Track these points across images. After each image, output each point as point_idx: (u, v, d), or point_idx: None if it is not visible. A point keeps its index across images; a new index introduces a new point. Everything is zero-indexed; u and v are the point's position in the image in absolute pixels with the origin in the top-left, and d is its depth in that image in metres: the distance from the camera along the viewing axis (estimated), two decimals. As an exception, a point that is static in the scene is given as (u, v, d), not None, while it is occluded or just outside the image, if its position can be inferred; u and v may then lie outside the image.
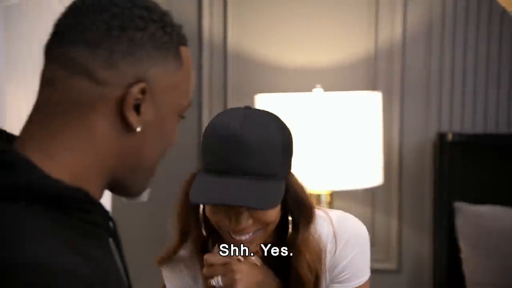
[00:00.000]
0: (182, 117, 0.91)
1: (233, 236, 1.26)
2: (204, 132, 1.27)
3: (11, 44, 1.28)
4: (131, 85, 0.80)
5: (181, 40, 0.87)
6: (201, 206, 1.31)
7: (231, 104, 2.63)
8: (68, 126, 0.80)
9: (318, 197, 2.30)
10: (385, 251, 2.60)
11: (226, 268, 1.27)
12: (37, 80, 1.18)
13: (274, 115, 1.29)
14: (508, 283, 2.28)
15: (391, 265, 2.60)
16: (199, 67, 2.64)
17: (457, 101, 2.54)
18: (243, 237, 1.25)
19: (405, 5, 2.56)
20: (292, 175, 1.32)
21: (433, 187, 2.56)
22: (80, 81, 0.80)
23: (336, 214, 1.39)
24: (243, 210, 1.22)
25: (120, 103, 0.80)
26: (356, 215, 2.78)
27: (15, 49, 1.30)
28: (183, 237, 1.38)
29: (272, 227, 1.28)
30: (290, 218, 1.30)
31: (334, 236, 1.34)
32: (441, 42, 2.55)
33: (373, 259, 2.83)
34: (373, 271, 2.84)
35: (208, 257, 1.29)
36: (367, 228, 2.70)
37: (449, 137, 2.46)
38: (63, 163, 0.79)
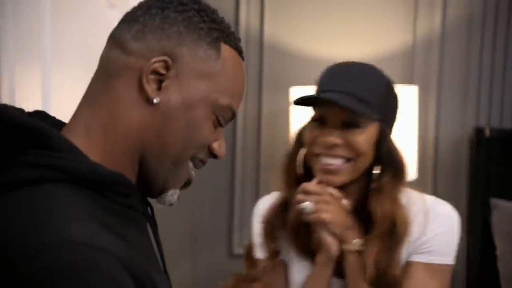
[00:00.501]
0: (219, 122, 0.90)
1: (323, 160, 1.35)
2: None
3: (57, 37, 1.32)
4: (155, 58, 0.82)
5: (225, 38, 0.89)
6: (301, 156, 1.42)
7: (266, 96, 2.66)
8: (100, 97, 0.84)
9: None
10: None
11: (319, 198, 1.34)
12: (80, 69, 1.21)
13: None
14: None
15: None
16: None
17: (496, 96, 2.52)
18: (334, 162, 1.34)
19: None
20: (391, 137, 1.40)
21: (468, 182, 2.54)
22: (114, 51, 0.84)
23: (432, 197, 1.45)
24: (334, 128, 1.33)
25: (141, 73, 0.83)
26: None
27: (62, 41, 1.34)
28: (288, 180, 1.46)
29: (360, 164, 1.36)
30: (375, 171, 1.38)
31: (426, 211, 1.38)
32: (481, 36, 2.53)
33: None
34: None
35: (305, 185, 1.37)
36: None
37: (487, 132, 2.44)
38: (97, 141, 0.83)
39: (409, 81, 2.56)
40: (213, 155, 0.92)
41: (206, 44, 0.86)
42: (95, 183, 0.79)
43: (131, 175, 0.87)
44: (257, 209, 1.55)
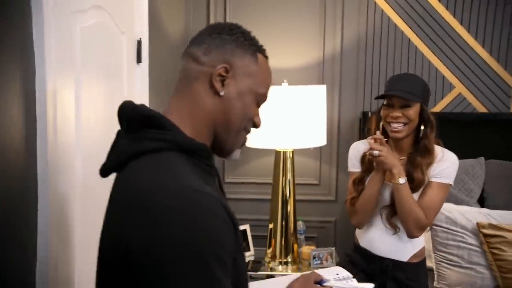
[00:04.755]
0: (258, 104, 0.92)
1: (392, 125, 1.60)
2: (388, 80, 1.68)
3: (85, 55, 1.25)
4: (219, 66, 0.85)
5: (259, 49, 0.92)
6: (380, 125, 1.68)
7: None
8: (186, 94, 0.87)
9: (285, 153, 2.31)
10: (328, 188, 2.63)
11: (382, 148, 1.58)
12: (101, 76, 1.14)
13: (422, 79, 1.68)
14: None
15: (331, 197, 2.63)
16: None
17: (374, 92, 2.56)
18: (397, 126, 1.60)
19: (342, 28, 2.54)
20: (427, 110, 1.63)
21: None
22: (191, 64, 0.87)
23: (443, 148, 1.67)
24: (397, 108, 1.59)
25: (211, 76, 0.85)
26: (308, 166, 2.80)
27: (88, 57, 1.27)
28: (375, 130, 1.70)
29: (411, 125, 1.60)
30: (422, 127, 1.62)
31: (442, 154, 1.63)
32: (365, 51, 2.55)
33: (319, 194, 2.88)
34: (320, 201, 2.89)
35: (373, 136, 1.62)
36: (316, 174, 2.73)
37: (369, 114, 2.47)
38: (186, 122, 0.85)
39: (320, 82, 2.57)
40: (255, 125, 0.93)
41: (249, 54, 0.88)
42: (191, 151, 0.82)
43: (208, 144, 0.88)
44: (352, 147, 1.80)
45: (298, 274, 1.07)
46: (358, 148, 1.77)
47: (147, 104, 1.81)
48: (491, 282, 1.95)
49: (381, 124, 1.67)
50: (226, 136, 0.89)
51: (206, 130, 0.86)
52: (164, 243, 0.69)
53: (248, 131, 0.93)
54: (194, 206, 0.71)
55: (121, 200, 0.78)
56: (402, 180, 1.56)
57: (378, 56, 2.55)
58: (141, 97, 1.77)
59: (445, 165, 1.61)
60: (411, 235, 1.61)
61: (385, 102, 1.65)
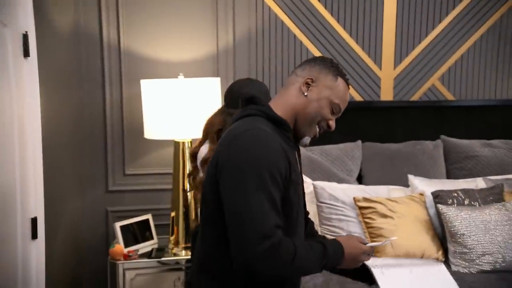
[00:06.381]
0: (333, 111, 1.25)
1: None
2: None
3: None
4: (307, 77, 1.24)
5: (340, 74, 1.26)
6: None
7: (126, 86, 2.60)
8: (283, 92, 1.26)
9: (183, 143, 2.37)
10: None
11: None
12: None
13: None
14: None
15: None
16: (102, 62, 2.57)
17: (265, 83, 2.72)
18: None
19: (233, 23, 2.65)
20: None
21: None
22: (292, 76, 1.28)
23: None
24: None
25: (301, 82, 1.24)
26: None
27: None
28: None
29: None
30: None
31: None
32: (255, 45, 2.70)
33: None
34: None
35: None
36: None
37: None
38: (279, 108, 1.23)
39: (215, 74, 2.66)
40: (328, 127, 1.27)
41: (331, 75, 1.25)
42: (275, 120, 1.20)
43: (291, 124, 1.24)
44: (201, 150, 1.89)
45: None
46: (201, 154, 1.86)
47: (38, 99, 1.76)
48: (365, 247, 2.25)
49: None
50: (302, 124, 1.23)
51: (290, 116, 1.23)
52: (235, 157, 1.10)
53: (321, 128, 1.26)
54: (259, 137, 1.10)
55: (223, 139, 1.18)
56: None
57: (268, 50, 2.71)
58: (31, 92, 1.71)
59: None
60: None
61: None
